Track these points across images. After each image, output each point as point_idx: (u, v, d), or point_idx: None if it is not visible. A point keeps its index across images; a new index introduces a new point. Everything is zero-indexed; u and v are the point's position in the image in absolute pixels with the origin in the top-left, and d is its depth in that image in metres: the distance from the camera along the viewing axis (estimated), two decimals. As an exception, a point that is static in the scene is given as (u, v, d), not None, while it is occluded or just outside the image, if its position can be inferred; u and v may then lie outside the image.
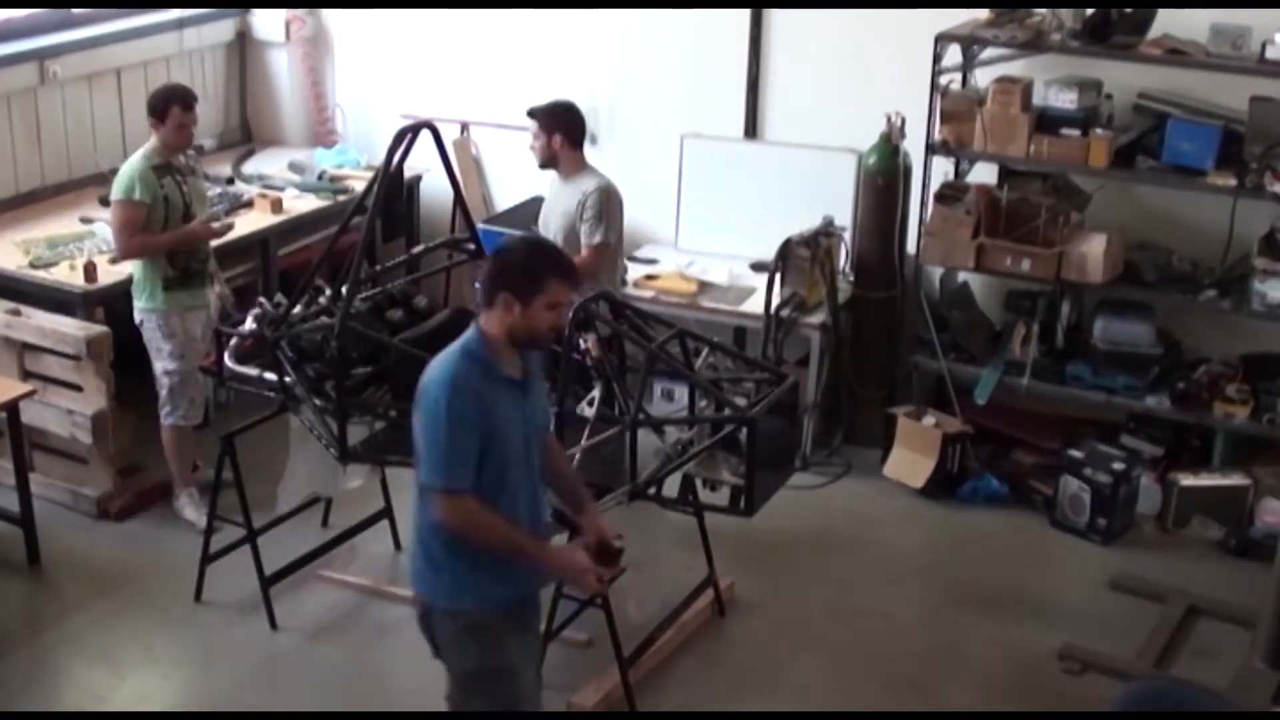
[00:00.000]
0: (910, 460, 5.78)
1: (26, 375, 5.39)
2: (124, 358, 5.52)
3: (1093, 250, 5.50)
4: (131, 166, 5.21)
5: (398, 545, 5.40)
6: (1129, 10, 5.38)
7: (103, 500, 5.48)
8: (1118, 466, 5.49)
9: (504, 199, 6.97)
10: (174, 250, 5.25)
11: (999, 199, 5.60)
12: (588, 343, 4.48)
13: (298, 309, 4.72)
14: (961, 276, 6.05)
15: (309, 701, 4.57)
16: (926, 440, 5.73)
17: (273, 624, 4.90)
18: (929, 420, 5.76)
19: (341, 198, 6.48)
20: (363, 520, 5.33)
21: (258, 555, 4.89)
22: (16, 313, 5.40)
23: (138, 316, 5.33)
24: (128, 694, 4.59)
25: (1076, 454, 5.56)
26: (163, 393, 5.35)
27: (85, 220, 6.08)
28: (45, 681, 4.61)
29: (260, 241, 6.22)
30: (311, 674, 4.74)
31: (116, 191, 5.22)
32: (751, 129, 6.45)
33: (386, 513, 5.36)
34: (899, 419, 5.85)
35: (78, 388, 5.35)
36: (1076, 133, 5.50)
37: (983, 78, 5.72)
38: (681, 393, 5.23)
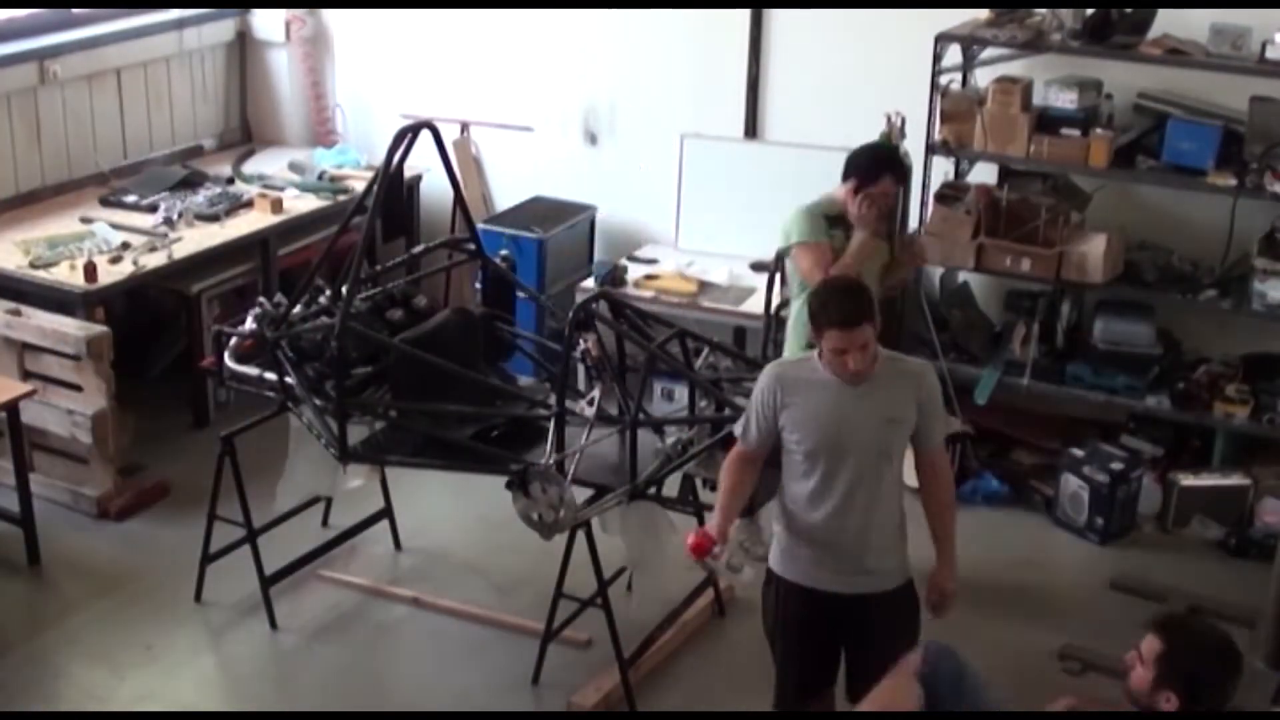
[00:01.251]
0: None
1: (27, 375, 5.38)
2: (124, 357, 5.51)
3: (1093, 250, 5.49)
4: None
5: (398, 545, 5.40)
6: (1129, 10, 5.38)
7: (103, 500, 5.47)
8: (1117, 466, 5.50)
9: (504, 199, 6.97)
10: None
11: (999, 199, 5.60)
12: (587, 342, 4.48)
13: (297, 309, 4.72)
14: (961, 276, 6.05)
15: (309, 701, 4.57)
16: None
17: (273, 624, 4.90)
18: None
19: (341, 198, 6.48)
20: (363, 520, 5.33)
21: (258, 555, 4.89)
22: (17, 313, 5.40)
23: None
24: (128, 694, 4.58)
25: (1077, 453, 5.56)
26: None
27: (85, 220, 6.09)
28: (45, 681, 4.61)
29: (260, 241, 6.22)
30: (312, 674, 4.74)
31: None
32: (751, 129, 6.45)
33: (387, 513, 5.37)
34: None
35: (78, 388, 5.34)
36: (1076, 133, 5.50)
37: (983, 78, 5.72)
38: (681, 392, 5.23)
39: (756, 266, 6.08)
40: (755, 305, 5.87)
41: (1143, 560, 5.38)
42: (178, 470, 5.73)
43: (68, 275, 5.58)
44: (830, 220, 4.70)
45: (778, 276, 5.76)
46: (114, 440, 5.42)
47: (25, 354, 5.40)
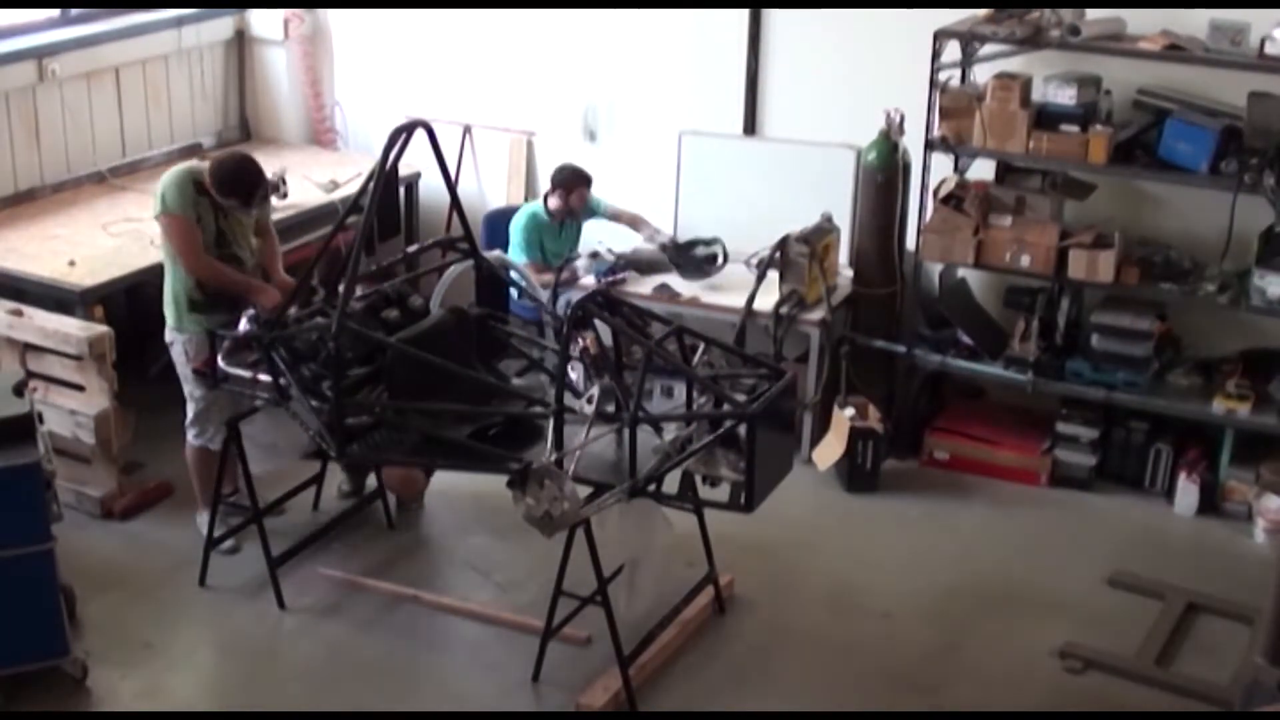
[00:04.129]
0: (829, 445, 5.70)
1: (29, 375, 5.37)
2: (124, 357, 5.52)
3: (1104, 252, 5.48)
4: None
5: (390, 524, 5.47)
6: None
7: (107, 500, 5.47)
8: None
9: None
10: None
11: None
12: (586, 340, 4.48)
13: (292, 310, 4.72)
14: (960, 272, 6.05)
15: (323, 678, 4.65)
16: (841, 429, 5.68)
17: (280, 604, 4.96)
18: (848, 412, 5.71)
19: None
20: (356, 504, 5.42)
21: (264, 535, 4.95)
22: (19, 313, 5.39)
23: (167, 336, 5.20)
24: (134, 687, 4.60)
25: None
26: (190, 412, 5.25)
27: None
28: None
29: (259, 240, 6.21)
30: (321, 650, 4.80)
31: None
32: (750, 126, 6.44)
33: (379, 494, 5.44)
34: (834, 406, 5.82)
35: (80, 388, 5.34)
36: (1075, 129, 5.49)
37: (982, 74, 5.71)
38: (680, 389, 5.23)
39: (756, 263, 6.07)
40: (755, 302, 5.88)
41: (1141, 557, 5.36)
42: (177, 468, 5.73)
43: (66, 274, 5.58)
44: (198, 186, 4.98)
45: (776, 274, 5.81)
46: (117, 440, 5.42)
47: (28, 354, 5.39)
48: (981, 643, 4.90)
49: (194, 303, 5.07)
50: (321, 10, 7.18)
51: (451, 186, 5.12)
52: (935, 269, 6.00)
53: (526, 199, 6.93)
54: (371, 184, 4.58)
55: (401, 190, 6.67)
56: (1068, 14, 5.43)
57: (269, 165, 6.78)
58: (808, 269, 5.80)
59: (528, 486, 4.20)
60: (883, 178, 5.84)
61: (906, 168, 5.85)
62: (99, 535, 5.40)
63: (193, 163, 5.20)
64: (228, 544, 5.20)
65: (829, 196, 6.07)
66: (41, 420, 4.59)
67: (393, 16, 7.03)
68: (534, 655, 4.62)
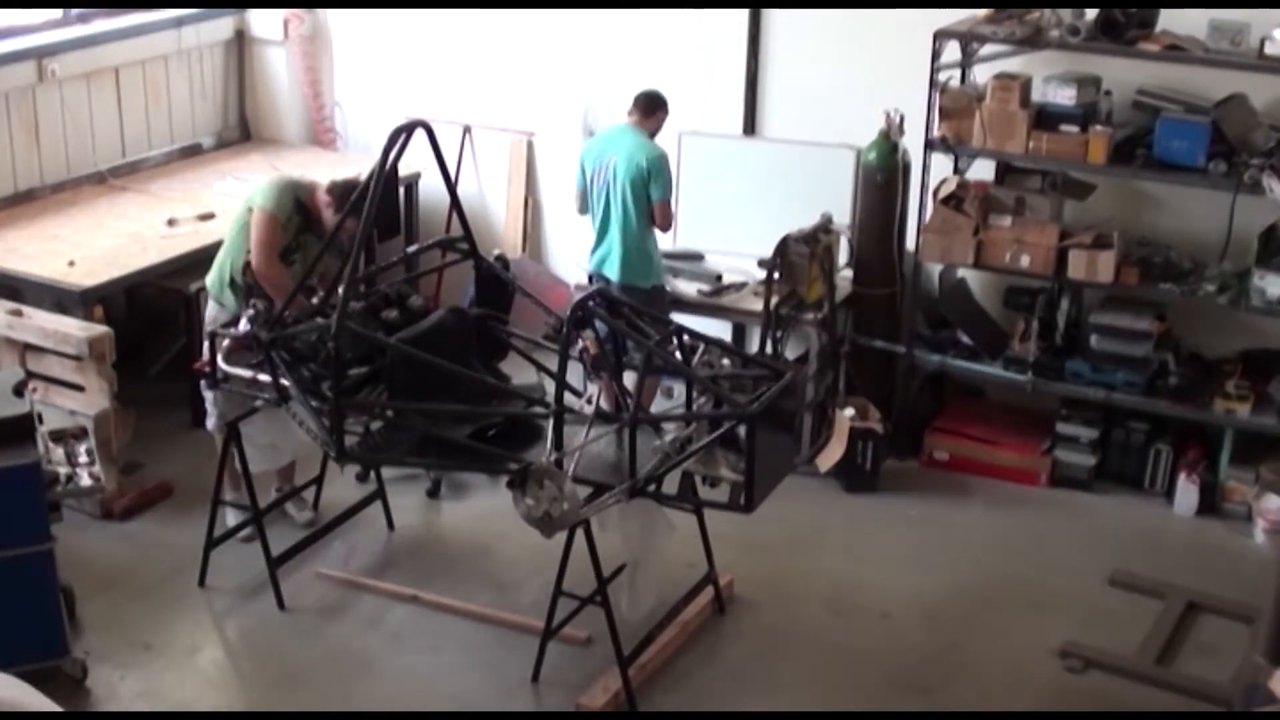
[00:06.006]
0: (830, 447, 5.71)
1: (29, 375, 5.37)
2: (124, 357, 5.52)
3: (1104, 252, 5.48)
4: None
5: (391, 525, 5.47)
6: (1134, 10, 5.35)
7: (107, 500, 5.47)
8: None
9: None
10: None
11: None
12: (586, 340, 4.48)
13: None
14: (960, 273, 6.05)
15: (323, 678, 4.64)
16: (842, 429, 5.69)
17: (280, 604, 4.95)
18: (848, 412, 5.72)
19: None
20: (356, 504, 5.41)
21: (264, 535, 4.95)
22: (18, 313, 5.39)
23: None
24: (134, 687, 4.60)
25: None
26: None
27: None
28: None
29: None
30: (321, 650, 4.80)
31: None
32: (750, 126, 6.45)
33: (380, 494, 5.43)
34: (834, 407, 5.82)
35: (80, 388, 5.34)
36: (1075, 129, 5.49)
37: (982, 74, 5.71)
38: (680, 390, 5.23)
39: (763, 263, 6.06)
40: (752, 302, 5.89)
41: (1142, 556, 5.36)
42: (176, 468, 5.75)
43: (65, 274, 5.58)
44: (297, 202, 5.07)
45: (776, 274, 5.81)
46: (116, 440, 5.42)
47: (27, 354, 5.39)
48: (981, 643, 4.90)
49: (234, 285, 5.12)
50: (321, 10, 7.18)
51: (451, 187, 5.11)
52: (935, 269, 6.00)
53: (527, 200, 6.94)
54: (371, 184, 4.57)
55: (401, 190, 6.67)
56: (1068, 14, 5.43)
57: (269, 165, 6.86)
58: (807, 269, 5.80)
59: (528, 487, 4.21)
60: (882, 178, 5.84)
61: (906, 168, 5.85)
62: (99, 535, 5.40)
63: (296, 177, 5.26)
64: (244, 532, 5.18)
65: (829, 197, 6.05)
66: (41, 420, 4.59)
67: (393, 17, 7.03)
68: (534, 655, 4.62)
